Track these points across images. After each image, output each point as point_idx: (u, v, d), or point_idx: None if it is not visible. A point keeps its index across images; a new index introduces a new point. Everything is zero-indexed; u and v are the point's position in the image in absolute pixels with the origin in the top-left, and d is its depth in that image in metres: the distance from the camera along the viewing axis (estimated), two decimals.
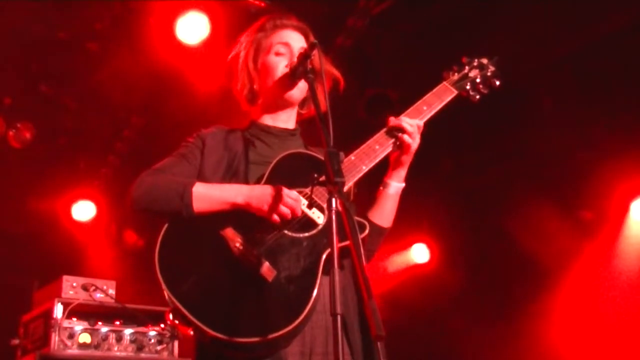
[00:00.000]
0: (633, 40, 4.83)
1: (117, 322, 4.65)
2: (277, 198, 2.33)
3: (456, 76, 2.81)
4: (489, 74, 2.84)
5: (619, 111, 5.29)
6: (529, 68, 5.19)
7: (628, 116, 5.27)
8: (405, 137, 2.54)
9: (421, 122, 2.60)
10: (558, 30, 5.02)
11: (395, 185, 2.61)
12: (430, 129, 2.63)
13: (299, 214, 2.36)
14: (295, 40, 2.69)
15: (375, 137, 2.56)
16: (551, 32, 5.02)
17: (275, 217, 2.34)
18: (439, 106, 2.69)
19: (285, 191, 2.35)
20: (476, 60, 2.86)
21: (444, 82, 2.77)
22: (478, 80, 2.82)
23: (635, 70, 4.90)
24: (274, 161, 2.51)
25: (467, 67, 2.84)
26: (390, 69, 5.70)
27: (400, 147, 2.55)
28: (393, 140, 2.55)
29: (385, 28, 5.41)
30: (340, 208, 2.00)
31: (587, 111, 5.37)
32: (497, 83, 2.85)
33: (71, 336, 4.43)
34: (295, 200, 2.35)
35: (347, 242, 1.96)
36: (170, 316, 2.25)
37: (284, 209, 2.33)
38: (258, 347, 2.19)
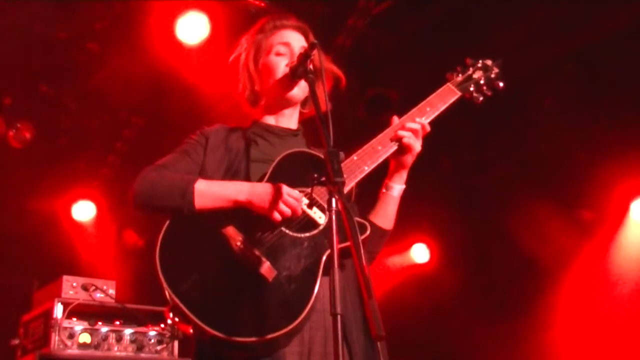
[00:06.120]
0: (633, 40, 4.83)
1: (117, 322, 4.65)
2: (278, 196, 2.33)
3: (460, 77, 2.80)
4: (492, 75, 2.83)
5: (619, 111, 5.30)
6: (529, 68, 5.19)
7: (628, 116, 5.28)
8: (409, 139, 2.54)
9: (426, 122, 2.61)
10: (558, 30, 5.02)
11: (398, 187, 2.62)
12: (430, 129, 2.63)
13: (299, 213, 2.36)
14: (295, 40, 2.69)
15: (378, 137, 2.56)
16: (551, 32, 5.02)
17: (276, 215, 2.33)
18: (442, 107, 2.68)
19: (287, 189, 2.34)
20: (480, 61, 2.85)
21: (448, 84, 2.77)
22: (482, 82, 2.81)
23: (635, 70, 4.90)
24: (276, 160, 2.50)
25: (471, 69, 2.83)
26: (390, 69, 5.70)
27: (404, 148, 2.55)
28: (396, 141, 2.55)
29: (385, 28, 5.41)
30: (340, 208, 2.00)
31: (587, 111, 5.38)
32: (501, 85, 2.84)
33: (71, 336, 4.43)
34: (296, 199, 2.35)
35: (347, 243, 1.96)
36: (170, 314, 2.25)
37: (284, 208, 2.33)
38: (257, 347, 2.19)
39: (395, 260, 7.19)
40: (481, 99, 2.82)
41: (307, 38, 2.73)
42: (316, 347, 2.33)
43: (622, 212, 5.80)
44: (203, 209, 2.38)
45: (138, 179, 2.48)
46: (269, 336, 2.17)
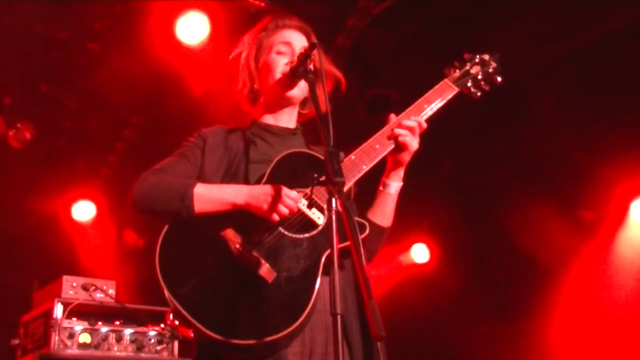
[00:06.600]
0: (633, 40, 4.83)
1: (117, 322, 4.65)
2: (277, 197, 2.32)
3: (457, 73, 2.78)
4: (490, 70, 2.80)
5: (619, 111, 5.30)
6: (529, 68, 5.19)
7: (628, 116, 5.27)
8: (405, 137, 2.54)
9: (422, 120, 2.59)
10: (558, 30, 5.02)
11: (395, 184, 2.61)
12: (430, 129, 2.62)
13: (296, 210, 2.35)
14: (297, 40, 2.69)
15: (376, 136, 2.56)
16: (551, 32, 5.02)
17: (275, 216, 2.33)
18: (440, 104, 2.67)
19: (285, 190, 2.34)
20: (477, 56, 2.82)
21: (445, 80, 2.74)
22: (479, 77, 2.78)
23: (635, 70, 4.90)
24: (275, 160, 2.50)
25: (468, 64, 2.80)
26: (390, 69, 5.70)
27: (400, 146, 2.55)
28: (393, 139, 2.55)
29: (385, 28, 5.41)
30: (340, 208, 1.99)
31: (587, 111, 5.37)
32: (499, 79, 2.81)
33: (71, 336, 4.43)
34: (294, 199, 2.34)
35: (347, 243, 1.96)
36: (171, 317, 2.26)
37: (283, 209, 2.33)
38: (257, 349, 2.19)
39: (395, 260, 7.20)
40: (479, 94, 2.79)
41: (309, 39, 2.72)
42: (317, 348, 2.33)
43: (622, 212, 5.80)
44: (202, 212, 2.38)
45: (137, 183, 2.48)
46: (269, 338, 2.17)
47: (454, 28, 5.11)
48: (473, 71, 2.80)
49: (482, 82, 2.80)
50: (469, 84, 2.77)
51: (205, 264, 2.31)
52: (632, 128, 5.25)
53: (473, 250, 6.65)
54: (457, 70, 2.79)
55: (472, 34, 4.89)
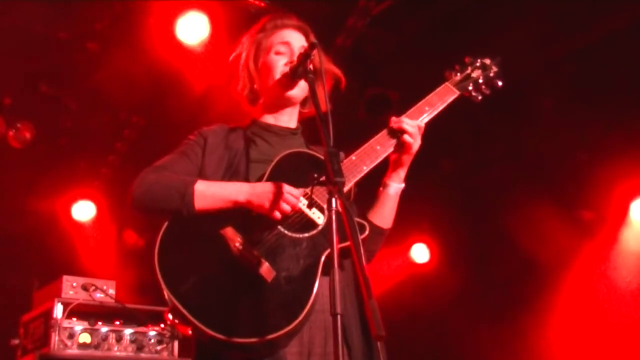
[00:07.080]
0: (633, 40, 4.83)
1: (117, 322, 4.65)
2: (278, 195, 2.32)
3: (458, 76, 2.80)
4: (491, 74, 2.83)
5: (619, 111, 5.30)
6: (529, 68, 5.19)
7: (628, 116, 5.27)
8: (407, 137, 2.54)
9: (422, 123, 2.60)
10: (558, 30, 5.02)
11: (395, 185, 2.62)
12: (430, 129, 2.63)
13: (298, 207, 2.35)
14: (295, 40, 2.69)
15: (377, 137, 2.56)
16: (551, 32, 5.02)
17: (277, 213, 2.33)
18: (441, 107, 2.68)
19: (287, 187, 2.34)
20: (479, 60, 2.85)
21: (446, 83, 2.76)
22: (480, 80, 2.81)
23: (636, 70, 4.90)
24: (275, 160, 2.51)
25: (469, 68, 2.83)
26: (390, 69, 5.70)
27: (402, 147, 2.55)
28: (394, 140, 2.55)
29: (385, 28, 5.41)
30: (340, 208, 2.00)
31: (587, 111, 5.37)
32: (500, 84, 2.83)
33: (71, 336, 4.43)
34: (295, 196, 2.35)
35: (347, 243, 1.96)
36: (169, 315, 2.25)
37: (284, 206, 2.33)
38: (257, 348, 2.19)
39: (395, 260, 7.20)
40: (480, 98, 2.82)
41: (307, 38, 2.73)
42: (316, 348, 2.33)
43: (622, 212, 5.80)
44: (203, 210, 2.38)
45: (137, 181, 2.47)
46: (270, 336, 2.17)
47: (454, 28, 5.11)
48: (474, 75, 2.82)
49: (483, 86, 2.83)
50: (470, 88, 2.80)
51: (204, 262, 2.31)
52: (632, 128, 5.25)
53: (473, 250, 6.66)
54: (458, 74, 2.82)
55: (472, 34, 4.90)
